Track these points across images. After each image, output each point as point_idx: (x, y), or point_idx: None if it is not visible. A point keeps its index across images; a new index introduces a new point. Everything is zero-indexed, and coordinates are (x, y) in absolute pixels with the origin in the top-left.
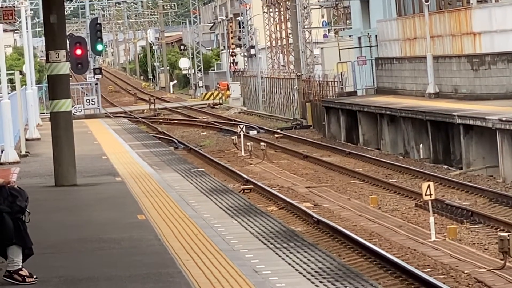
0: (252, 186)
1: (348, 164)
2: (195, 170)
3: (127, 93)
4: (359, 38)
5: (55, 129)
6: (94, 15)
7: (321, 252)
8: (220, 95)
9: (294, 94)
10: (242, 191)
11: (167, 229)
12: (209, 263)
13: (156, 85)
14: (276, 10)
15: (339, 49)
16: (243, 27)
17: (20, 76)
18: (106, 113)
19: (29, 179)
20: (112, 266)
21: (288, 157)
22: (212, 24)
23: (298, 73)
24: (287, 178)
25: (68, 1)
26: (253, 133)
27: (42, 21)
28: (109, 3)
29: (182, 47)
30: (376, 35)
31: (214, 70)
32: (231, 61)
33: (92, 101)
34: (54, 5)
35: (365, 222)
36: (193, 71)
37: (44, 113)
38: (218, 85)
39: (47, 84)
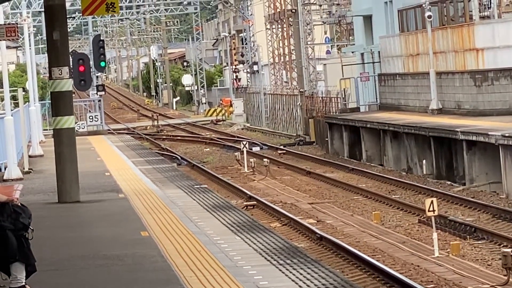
0: (255, 202)
1: (351, 180)
2: (198, 186)
3: (130, 109)
4: (362, 54)
5: (58, 146)
6: (97, 31)
7: (324, 268)
8: (223, 111)
9: (297, 111)
10: (245, 207)
11: (170, 246)
12: (212, 280)
13: (159, 101)
14: (279, 26)
15: (342, 65)
16: (246, 44)
17: (23, 92)
18: (109, 130)
19: (32, 195)
20: (115, 282)
21: (291, 173)
22: (215, 40)
23: (301, 90)
24: (290, 194)
25: (71, 18)
26: (256, 149)
27: (45, 38)
28: (112, 19)
29: (185, 63)
30: (379, 51)
31: (217, 86)
32: (234, 77)
33: (95, 117)
34: (57, 22)
35: (368, 238)
36: (196, 87)
37: (47, 129)
38: (221, 102)
39: (50, 101)
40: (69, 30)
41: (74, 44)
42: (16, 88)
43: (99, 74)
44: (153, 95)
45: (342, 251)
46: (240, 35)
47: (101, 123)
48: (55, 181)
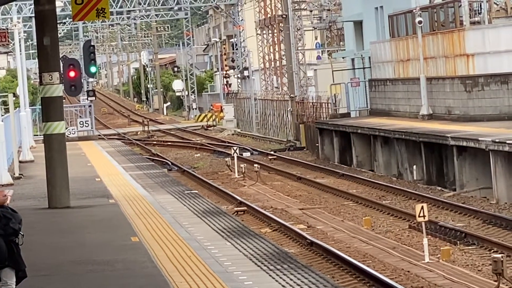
0: (245, 208)
1: (342, 186)
2: (189, 192)
3: (121, 115)
4: (353, 59)
5: (49, 151)
6: (88, 37)
7: (314, 274)
8: (214, 117)
9: (287, 116)
10: (236, 213)
11: (160, 251)
12: (202, 285)
13: (150, 107)
14: (270, 32)
15: (333, 71)
16: (237, 49)
17: (14, 98)
18: (99, 135)
19: (22, 201)
20: None
21: (281, 178)
22: (206, 46)
23: (292, 95)
24: (280, 200)
25: (62, 23)
26: (246, 154)
27: (35, 43)
28: (102, 25)
29: (175, 69)
30: (369, 57)
31: (207, 92)
32: (225, 82)
33: (85, 123)
34: (47, 27)
35: (359, 243)
36: (186, 93)
37: (37, 135)
38: (211, 107)
39: (40, 106)
40: (59, 35)
41: (64, 50)
42: (6, 94)
43: (91, 80)
44: (143, 101)
45: (333, 256)
46: (230, 40)
47: (91, 128)
48: (45, 187)
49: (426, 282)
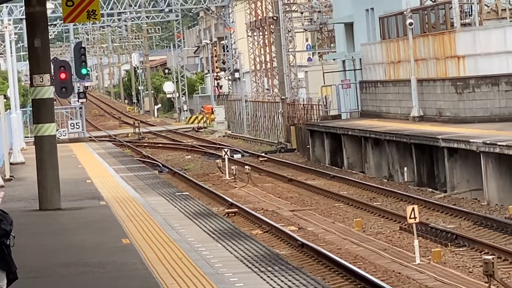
0: (236, 209)
1: (333, 188)
2: (180, 193)
3: (112, 117)
4: (343, 61)
5: (40, 153)
6: (78, 39)
7: (305, 275)
8: (205, 118)
9: (278, 118)
10: (227, 214)
11: (151, 253)
12: (193, 287)
13: (141, 108)
14: (260, 33)
15: (323, 73)
16: (227, 51)
17: (5, 100)
18: (90, 137)
19: (13, 203)
20: None
21: (272, 180)
22: (197, 47)
23: (283, 97)
24: (271, 202)
25: (52, 25)
26: (237, 156)
27: (26, 45)
28: (93, 27)
29: (166, 71)
30: (360, 59)
31: (198, 93)
32: (216, 84)
33: (76, 125)
34: (38, 29)
35: (350, 245)
36: (177, 94)
37: (28, 137)
38: (202, 109)
39: (31, 108)
40: (50, 37)
41: (55, 52)
42: None
43: (89, 83)
44: (134, 102)
45: (324, 258)
46: (221, 42)
47: (82, 130)
48: (36, 188)
49: (417, 283)
